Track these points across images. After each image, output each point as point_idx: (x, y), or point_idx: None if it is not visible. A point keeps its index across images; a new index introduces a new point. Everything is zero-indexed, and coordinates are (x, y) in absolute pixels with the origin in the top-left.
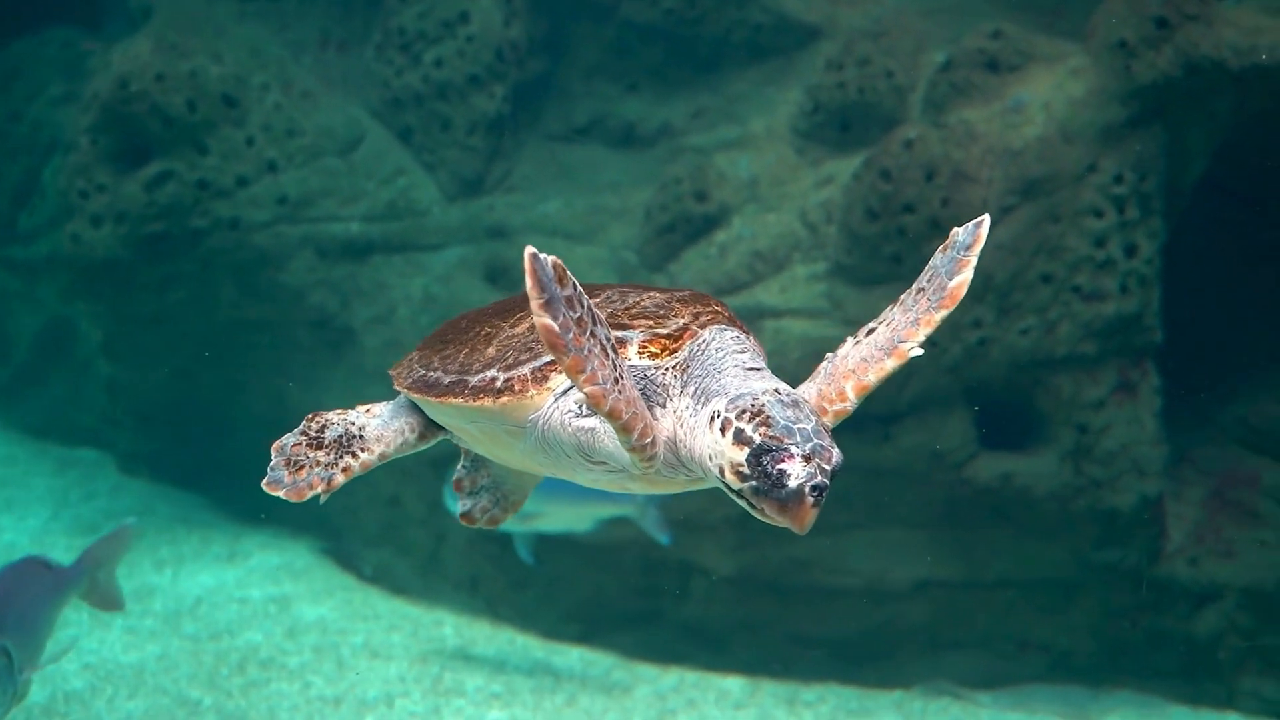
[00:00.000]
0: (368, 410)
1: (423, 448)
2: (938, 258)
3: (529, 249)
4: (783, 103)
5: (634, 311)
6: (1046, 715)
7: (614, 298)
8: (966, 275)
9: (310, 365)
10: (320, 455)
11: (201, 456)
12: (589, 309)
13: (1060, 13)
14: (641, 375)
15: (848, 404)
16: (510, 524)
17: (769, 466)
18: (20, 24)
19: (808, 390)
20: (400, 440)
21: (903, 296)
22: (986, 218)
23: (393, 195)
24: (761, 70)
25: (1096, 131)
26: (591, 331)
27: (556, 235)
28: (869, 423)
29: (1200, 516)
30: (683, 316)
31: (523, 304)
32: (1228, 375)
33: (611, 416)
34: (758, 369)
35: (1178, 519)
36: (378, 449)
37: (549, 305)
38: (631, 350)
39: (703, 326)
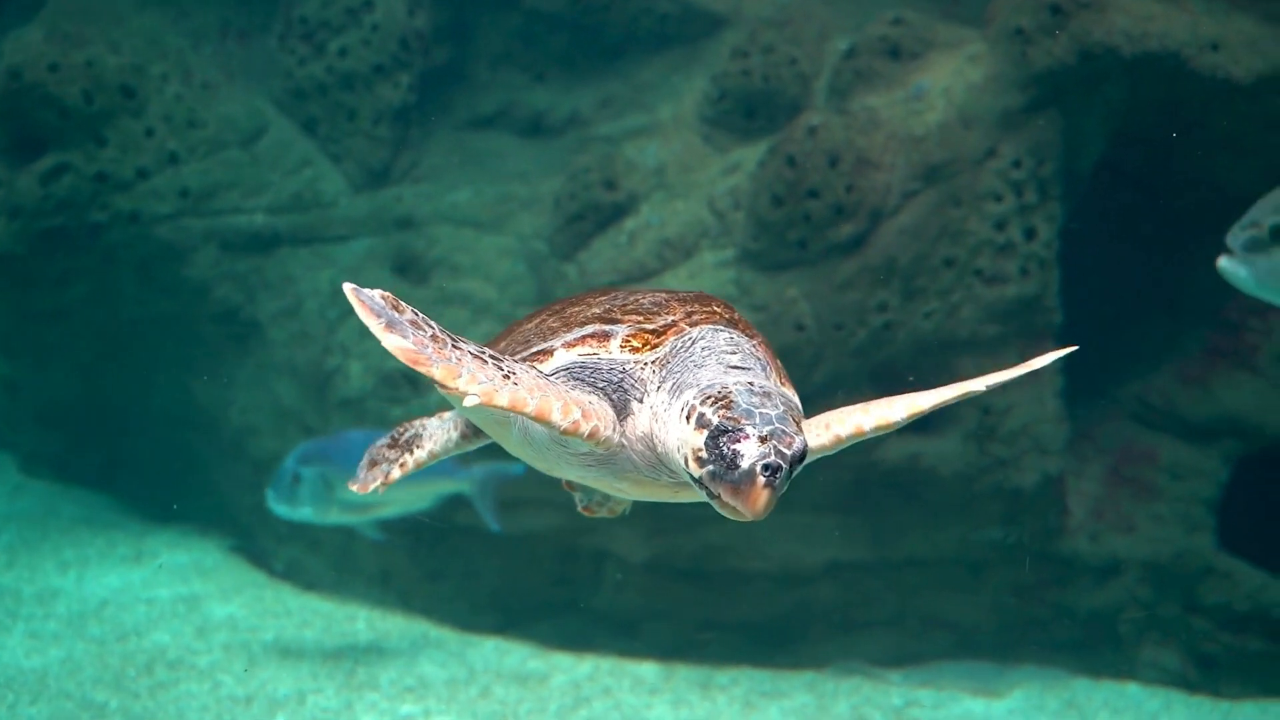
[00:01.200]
0: (440, 415)
1: (469, 447)
2: None
3: (346, 285)
4: (690, 91)
5: (629, 308)
6: (954, 691)
7: (617, 297)
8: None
9: (216, 360)
10: (391, 454)
11: (106, 455)
12: (440, 329)
13: (960, 0)
14: (621, 369)
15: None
16: (348, 517)
17: (725, 448)
18: None
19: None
20: (445, 438)
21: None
22: None
23: (298, 186)
24: (669, 59)
25: (995, 117)
26: (455, 344)
27: (465, 225)
28: None
29: (1100, 492)
30: (674, 314)
31: (560, 305)
32: (1126, 354)
33: (516, 408)
34: (744, 367)
35: (1079, 495)
36: (428, 446)
37: (392, 327)
38: (614, 344)
39: (693, 324)
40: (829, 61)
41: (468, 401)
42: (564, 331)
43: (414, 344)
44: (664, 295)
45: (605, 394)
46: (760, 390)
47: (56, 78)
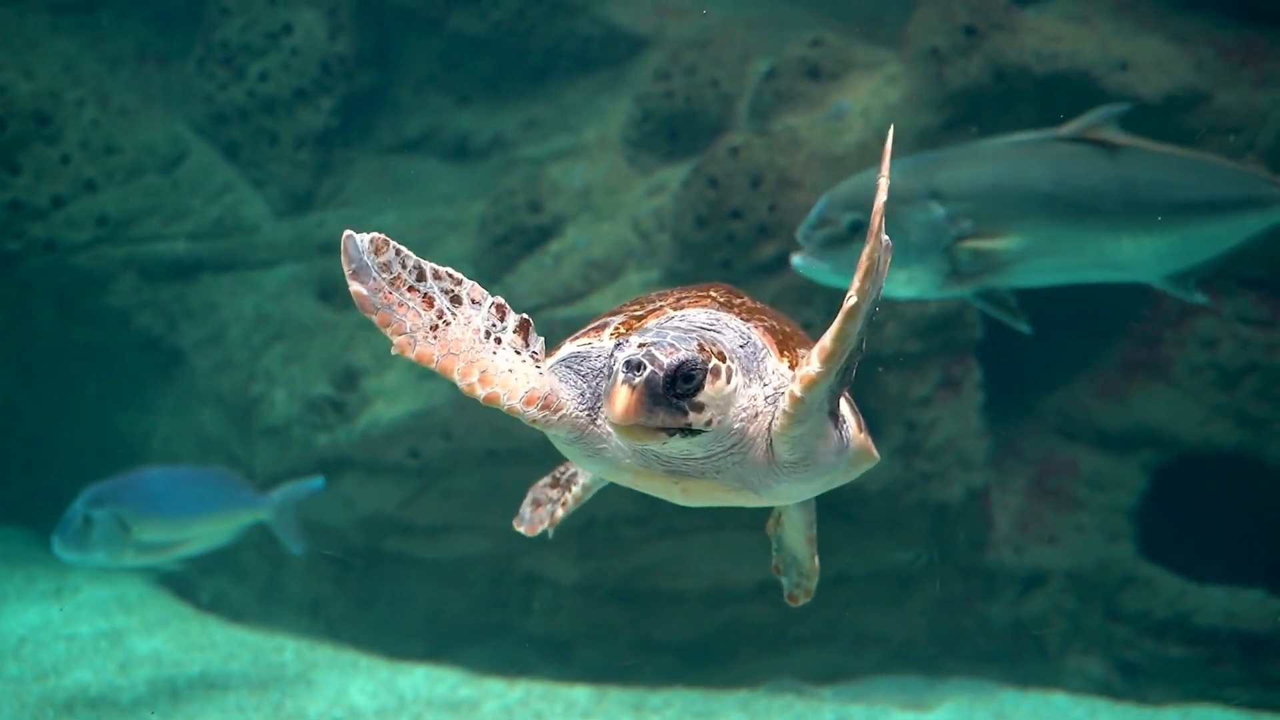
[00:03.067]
0: None
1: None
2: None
3: (346, 231)
4: (614, 113)
5: (637, 301)
6: (886, 706)
7: (644, 299)
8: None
9: (139, 390)
10: (553, 493)
11: (24, 488)
12: (413, 267)
13: (878, 21)
14: (608, 355)
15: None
16: (145, 559)
17: (614, 363)
18: None
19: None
20: (590, 474)
21: None
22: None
23: (220, 212)
24: (593, 81)
25: (913, 136)
26: (411, 286)
27: None
28: None
29: (1023, 505)
30: (666, 300)
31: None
32: (1045, 368)
33: (421, 361)
34: (710, 329)
35: (1003, 508)
36: (582, 481)
37: (357, 273)
38: (606, 333)
39: (679, 308)
40: (750, 83)
41: (392, 350)
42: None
43: (368, 290)
44: (678, 291)
45: (592, 379)
46: (684, 322)
47: None
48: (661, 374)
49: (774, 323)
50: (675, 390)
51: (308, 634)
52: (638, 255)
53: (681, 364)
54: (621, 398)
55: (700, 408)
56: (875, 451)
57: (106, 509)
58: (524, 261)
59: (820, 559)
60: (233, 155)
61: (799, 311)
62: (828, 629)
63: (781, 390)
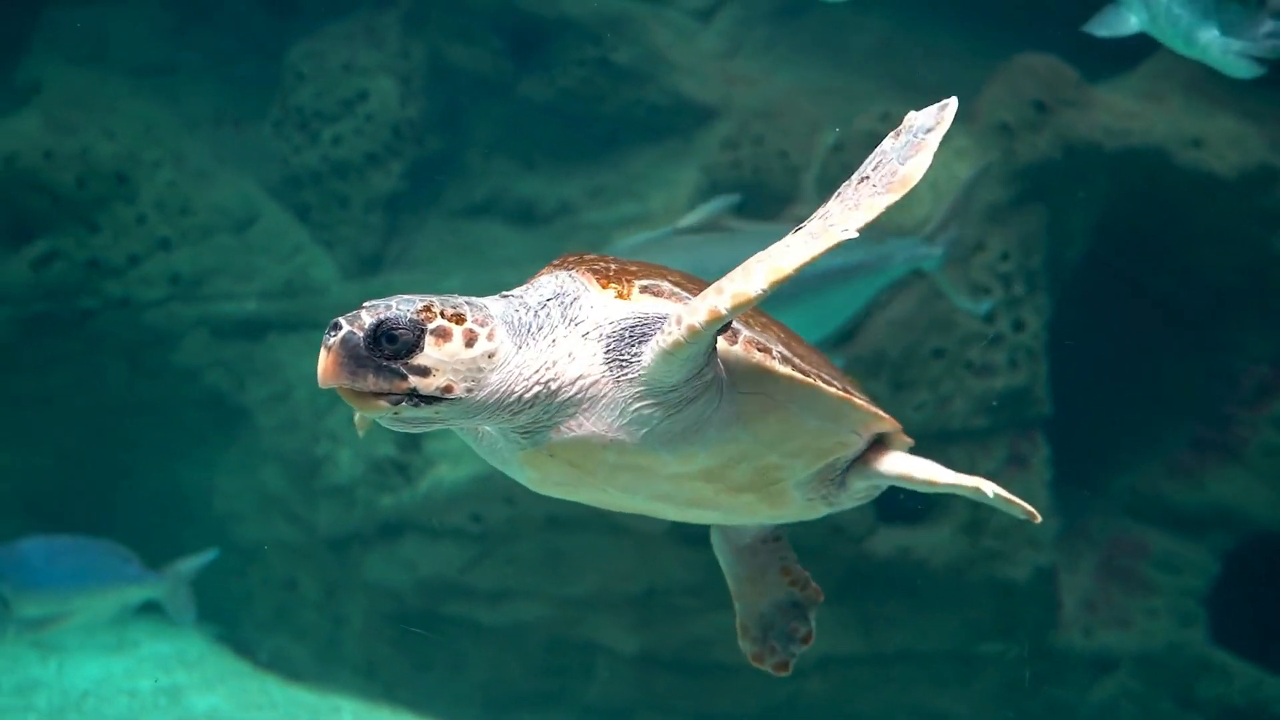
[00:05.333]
0: None
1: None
2: (888, 142)
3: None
4: (680, 181)
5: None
6: None
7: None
8: (924, 159)
9: (202, 446)
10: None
11: None
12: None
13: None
14: None
15: (752, 289)
16: (27, 635)
17: None
18: None
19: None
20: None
21: (841, 188)
22: (954, 100)
23: (289, 273)
24: (659, 149)
25: (982, 210)
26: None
27: None
28: None
29: (1092, 586)
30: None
31: None
32: (1115, 446)
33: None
34: (509, 295)
35: (1071, 589)
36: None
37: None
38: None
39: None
40: (818, 154)
41: None
42: None
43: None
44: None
45: None
46: (421, 295)
47: (50, 164)
48: (361, 334)
49: (635, 269)
50: (383, 351)
51: (365, 695)
52: None
53: (380, 323)
54: (320, 357)
55: (425, 371)
56: (780, 369)
57: None
58: None
59: (881, 635)
60: (304, 217)
61: (864, 385)
62: (889, 706)
63: (619, 325)
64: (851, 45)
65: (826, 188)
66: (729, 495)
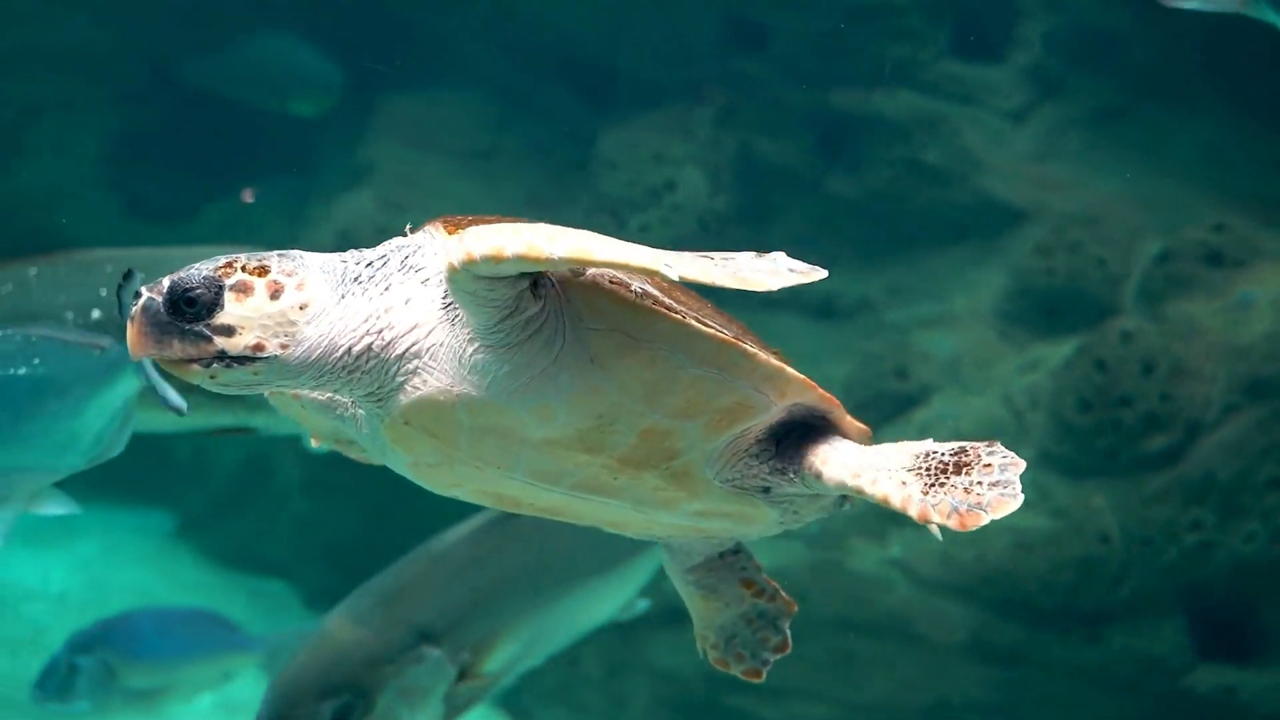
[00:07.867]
0: None
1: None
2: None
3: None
4: (984, 284)
5: None
6: None
7: None
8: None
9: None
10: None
11: None
12: None
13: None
14: None
15: (543, 249)
16: (133, 709)
17: None
18: (247, 171)
19: None
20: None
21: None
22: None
23: None
24: (963, 250)
25: None
26: None
27: None
28: (1076, 621)
29: None
30: None
31: None
32: None
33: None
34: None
35: None
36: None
37: None
38: None
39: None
40: (1139, 264)
41: None
42: None
43: None
44: None
45: None
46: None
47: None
48: (159, 299)
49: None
50: (184, 315)
51: None
52: (1009, 432)
53: (174, 285)
54: (128, 334)
55: (229, 330)
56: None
57: (93, 655)
58: (885, 428)
59: None
60: None
61: (1188, 510)
62: None
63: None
64: (1175, 152)
65: (1149, 299)
66: (629, 478)
